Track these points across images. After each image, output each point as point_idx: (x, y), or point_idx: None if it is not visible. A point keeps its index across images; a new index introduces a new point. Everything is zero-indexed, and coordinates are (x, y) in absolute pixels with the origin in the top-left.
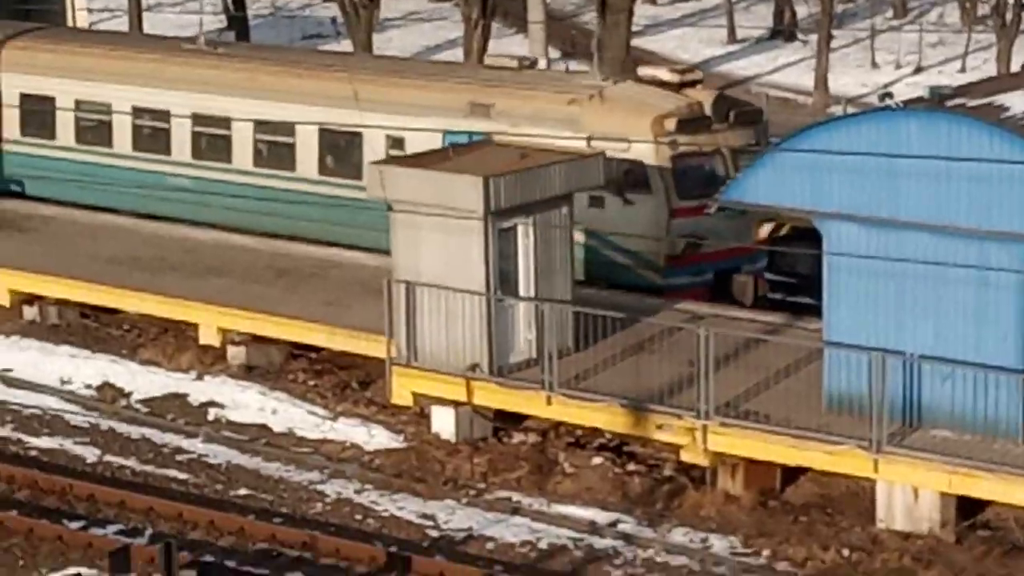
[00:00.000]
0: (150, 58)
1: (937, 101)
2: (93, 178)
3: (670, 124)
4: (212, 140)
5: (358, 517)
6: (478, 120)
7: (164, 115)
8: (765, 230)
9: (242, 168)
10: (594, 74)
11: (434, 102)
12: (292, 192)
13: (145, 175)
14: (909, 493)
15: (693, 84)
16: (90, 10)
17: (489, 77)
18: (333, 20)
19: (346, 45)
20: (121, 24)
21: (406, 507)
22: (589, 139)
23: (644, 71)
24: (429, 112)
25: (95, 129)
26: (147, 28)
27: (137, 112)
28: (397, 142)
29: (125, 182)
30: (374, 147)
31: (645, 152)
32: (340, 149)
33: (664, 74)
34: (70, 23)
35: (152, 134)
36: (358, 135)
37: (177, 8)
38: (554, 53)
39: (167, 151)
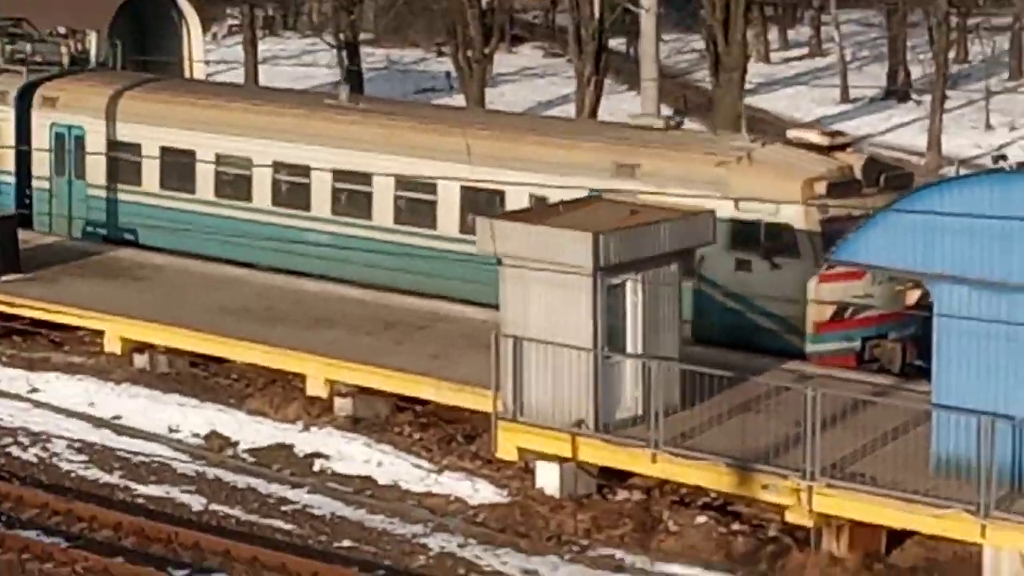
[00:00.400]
0: (293, 113)
1: None
2: (232, 232)
3: (820, 187)
4: (351, 196)
5: (461, 571)
6: (623, 180)
7: (304, 170)
8: (914, 296)
9: (382, 225)
10: (742, 136)
11: (579, 161)
12: (432, 250)
13: (285, 230)
14: (1016, 559)
15: (843, 147)
16: (207, 62)
17: (635, 137)
18: (447, 75)
19: (459, 99)
20: (236, 76)
21: (509, 562)
22: (737, 202)
23: (793, 133)
24: (574, 171)
25: (234, 183)
26: (263, 81)
27: (277, 167)
28: (540, 201)
29: (263, 237)
30: (517, 206)
31: (794, 215)
32: (481, 207)
33: (814, 137)
34: (186, 75)
35: (291, 189)
36: (500, 193)
37: (292, 61)
38: (666, 111)
39: (307, 207)
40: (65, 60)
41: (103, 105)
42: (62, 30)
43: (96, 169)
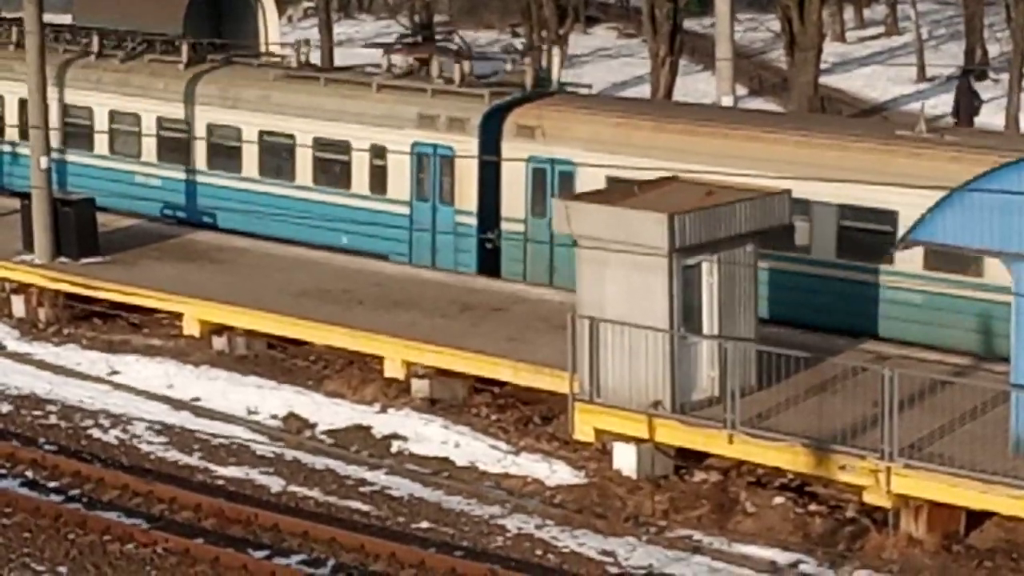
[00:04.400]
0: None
1: None
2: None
3: None
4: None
5: (539, 552)
6: None
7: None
8: None
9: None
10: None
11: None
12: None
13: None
14: None
15: None
16: (282, 44)
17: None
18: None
19: None
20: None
21: (586, 543)
22: None
23: None
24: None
25: None
26: (338, 62)
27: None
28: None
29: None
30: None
31: None
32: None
33: None
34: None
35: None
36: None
37: (366, 42)
38: (741, 90)
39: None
40: (529, 80)
41: (597, 135)
42: (519, 44)
43: None
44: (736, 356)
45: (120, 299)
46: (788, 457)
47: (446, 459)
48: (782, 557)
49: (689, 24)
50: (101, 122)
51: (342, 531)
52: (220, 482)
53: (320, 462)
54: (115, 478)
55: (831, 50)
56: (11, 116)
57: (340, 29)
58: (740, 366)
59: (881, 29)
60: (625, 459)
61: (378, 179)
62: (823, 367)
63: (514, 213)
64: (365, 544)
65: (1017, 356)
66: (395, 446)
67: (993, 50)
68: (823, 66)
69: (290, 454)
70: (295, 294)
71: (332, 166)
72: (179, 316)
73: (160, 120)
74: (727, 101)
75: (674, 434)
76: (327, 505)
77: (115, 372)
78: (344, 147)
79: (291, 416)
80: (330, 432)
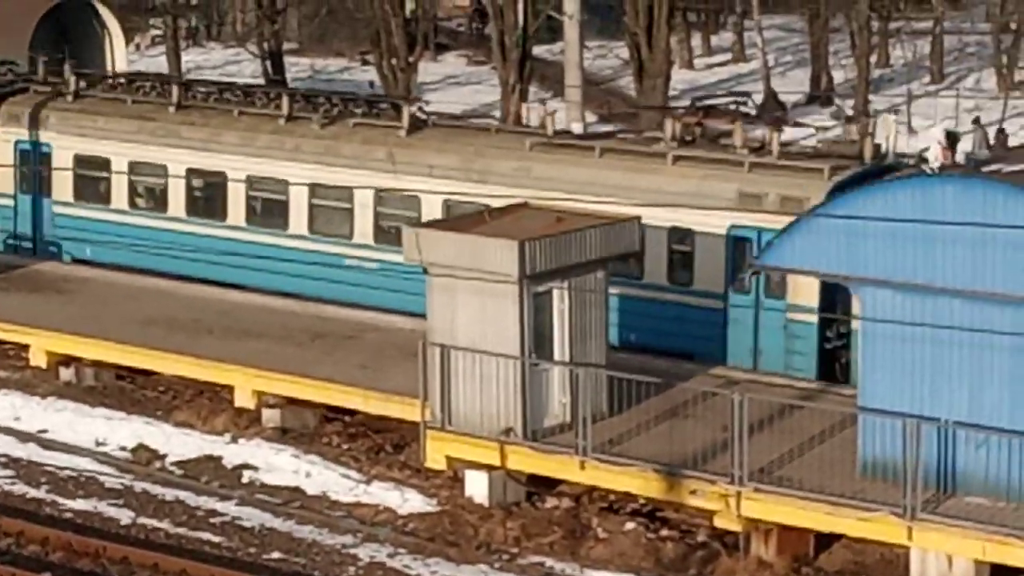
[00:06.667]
0: None
1: (973, 167)
2: None
3: None
4: None
5: None
6: None
7: None
8: None
9: None
10: None
11: None
12: None
13: None
14: (943, 561)
15: None
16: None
17: None
18: (371, 84)
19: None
20: None
21: (439, 571)
22: None
23: None
24: None
25: None
26: None
27: None
28: None
29: None
30: None
31: None
32: None
33: None
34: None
35: None
36: None
37: (216, 71)
38: (591, 117)
39: None
40: (867, 150)
41: None
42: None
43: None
44: (587, 382)
45: None
46: (640, 483)
47: (297, 489)
48: None
49: (538, 51)
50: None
51: (192, 563)
52: (68, 515)
53: (170, 493)
54: None
55: (679, 77)
56: None
57: (188, 57)
58: (591, 392)
59: (729, 56)
60: (477, 486)
61: (680, 267)
62: (674, 392)
63: None
64: (216, 575)
65: (864, 379)
66: (246, 476)
67: (838, 76)
68: (672, 92)
69: (139, 485)
70: (143, 323)
71: None
72: (25, 347)
73: (378, 196)
74: (577, 128)
75: (526, 461)
76: (177, 537)
77: None
78: None
79: (140, 447)
80: (180, 463)
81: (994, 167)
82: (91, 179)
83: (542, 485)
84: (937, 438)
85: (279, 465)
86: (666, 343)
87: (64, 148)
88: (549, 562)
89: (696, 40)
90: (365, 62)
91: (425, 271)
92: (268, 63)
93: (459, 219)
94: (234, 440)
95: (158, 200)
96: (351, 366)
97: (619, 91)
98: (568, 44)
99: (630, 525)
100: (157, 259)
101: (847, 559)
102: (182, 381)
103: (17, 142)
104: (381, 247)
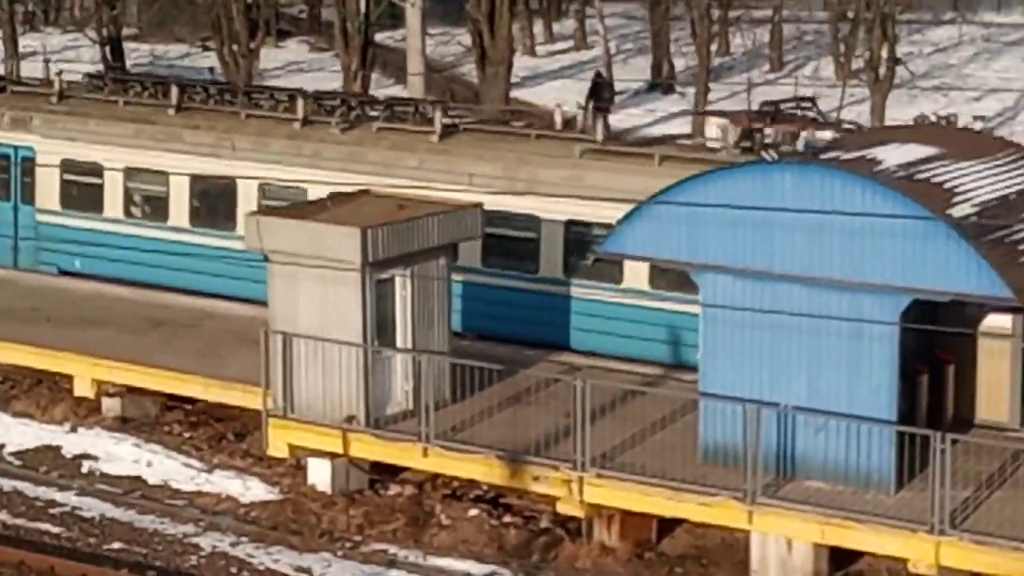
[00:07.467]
0: None
1: (811, 154)
2: None
3: None
4: None
5: (233, 570)
6: None
7: None
8: None
9: None
10: None
11: None
12: None
13: None
14: (783, 544)
15: None
16: None
17: None
18: (211, 70)
19: None
20: None
21: (281, 559)
22: None
23: None
24: None
25: None
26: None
27: None
28: None
29: None
30: None
31: None
32: None
33: None
34: None
35: None
36: None
37: (55, 57)
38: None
39: None
40: None
41: None
42: None
43: None
44: (430, 369)
45: None
46: (483, 469)
47: (138, 478)
48: (477, 569)
49: (380, 38)
50: None
51: (31, 553)
52: None
53: (8, 484)
54: None
55: (522, 64)
56: None
57: (26, 42)
58: (434, 379)
59: (571, 43)
60: (320, 474)
61: None
62: (517, 379)
63: None
64: (55, 566)
65: (705, 365)
66: (86, 466)
67: (679, 64)
68: (514, 80)
69: None
70: None
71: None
72: None
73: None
74: None
75: (368, 448)
76: (15, 528)
77: None
78: None
79: None
80: (18, 453)
81: (831, 154)
82: (81, 186)
83: (385, 472)
84: (777, 423)
85: (119, 454)
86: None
87: (50, 152)
88: (392, 549)
89: (538, 27)
90: (206, 48)
91: (266, 259)
92: (107, 49)
93: (300, 206)
94: (73, 430)
95: (158, 209)
96: (191, 354)
97: (461, 78)
98: (410, 31)
99: (473, 512)
100: (156, 271)
101: (689, 543)
102: (20, 371)
103: None
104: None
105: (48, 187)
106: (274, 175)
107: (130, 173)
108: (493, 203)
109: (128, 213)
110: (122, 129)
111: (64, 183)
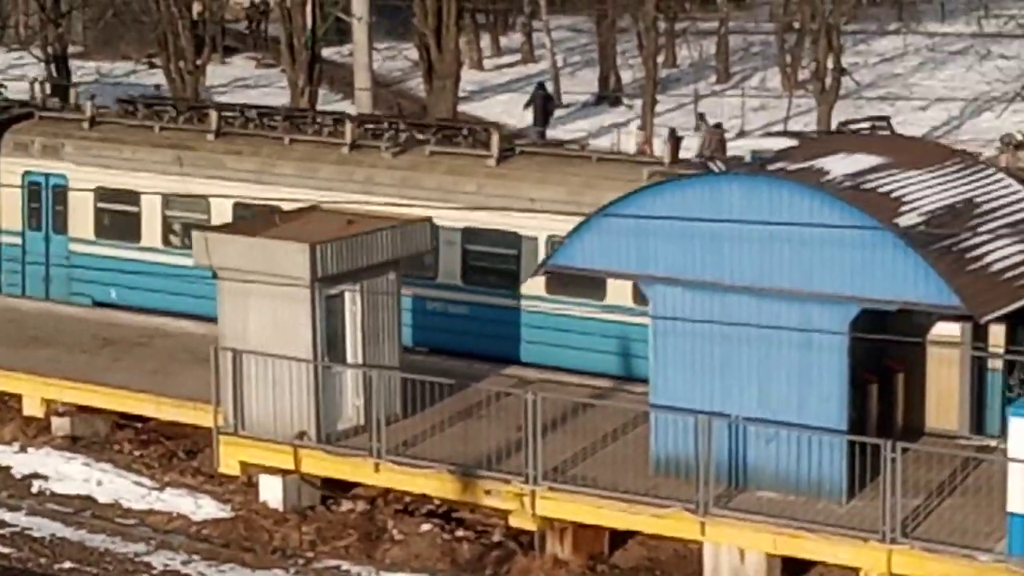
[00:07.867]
0: None
1: (759, 165)
2: None
3: None
4: None
5: None
6: None
7: None
8: None
9: None
10: None
11: None
12: None
13: None
14: (735, 554)
15: None
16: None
17: None
18: (156, 87)
19: None
20: None
21: None
22: None
23: None
24: None
25: None
26: None
27: None
28: None
29: None
30: None
31: None
32: None
33: None
34: None
35: None
36: None
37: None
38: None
39: None
40: None
41: None
42: None
43: None
44: (381, 384)
45: None
46: (435, 484)
47: (89, 497)
48: None
49: (327, 53)
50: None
51: None
52: None
53: None
54: None
55: (469, 78)
56: None
57: None
58: (385, 394)
59: (518, 57)
60: (271, 491)
61: None
62: (468, 393)
63: None
64: None
65: (655, 376)
66: (36, 486)
67: (626, 76)
68: (461, 94)
69: None
70: None
71: None
72: None
73: (468, 233)
74: None
75: (320, 464)
76: None
77: None
78: None
79: None
80: None
81: (778, 165)
82: (116, 214)
83: (337, 488)
84: (728, 434)
85: (70, 474)
86: None
87: (83, 180)
88: (345, 565)
89: (485, 41)
90: (152, 65)
91: (215, 275)
92: (53, 66)
93: (248, 223)
94: (23, 449)
95: None
96: (142, 372)
97: (409, 93)
98: (357, 46)
99: (426, 527)
100: (199, 302)
101: (642, 555)
102: None
103: (25, 173)
104: (471, 288)
105: (82, 216)
106: (324, 202)
107: (169, 200)
108: (555, 228)
109: (167, 242)
110: (160, 156)
111: (98, 211)
